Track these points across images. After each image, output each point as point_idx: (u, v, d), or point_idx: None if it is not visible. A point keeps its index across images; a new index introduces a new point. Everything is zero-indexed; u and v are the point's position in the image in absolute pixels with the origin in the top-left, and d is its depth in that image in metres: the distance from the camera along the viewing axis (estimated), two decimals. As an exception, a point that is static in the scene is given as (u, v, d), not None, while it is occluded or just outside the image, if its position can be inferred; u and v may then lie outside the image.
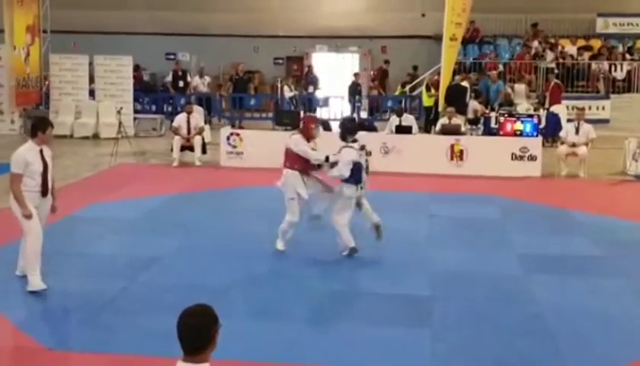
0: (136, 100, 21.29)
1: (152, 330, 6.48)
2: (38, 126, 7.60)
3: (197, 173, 14.95)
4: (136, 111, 20.93)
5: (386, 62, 24.89)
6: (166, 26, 25.33)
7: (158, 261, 8.77)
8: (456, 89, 18.78)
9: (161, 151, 17.14)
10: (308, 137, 9.12)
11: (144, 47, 23.94)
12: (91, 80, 20.55)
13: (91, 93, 20.42)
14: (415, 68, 23.82)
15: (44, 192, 7.53)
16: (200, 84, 22.42)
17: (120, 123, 16.94)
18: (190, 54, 25.49)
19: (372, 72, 25.37)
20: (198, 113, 17.26)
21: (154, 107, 22.23)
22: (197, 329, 3.40)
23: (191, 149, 15.74)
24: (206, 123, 17.84)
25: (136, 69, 22.33)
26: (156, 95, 23.18)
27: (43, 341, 6.39)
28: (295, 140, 9.04)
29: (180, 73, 22.32)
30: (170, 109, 21.59)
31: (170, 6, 25.12)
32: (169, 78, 22.53)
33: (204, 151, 16.03)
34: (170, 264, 8.76)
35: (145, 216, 11.14)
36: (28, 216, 7.32)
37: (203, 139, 16.02)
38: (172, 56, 25.46)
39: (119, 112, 17.41)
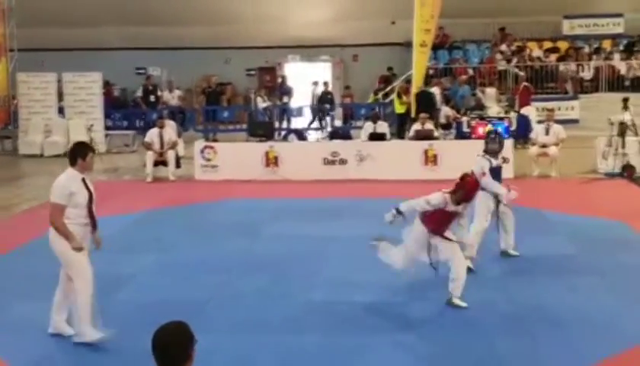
0: (107, 116, 21.19)
1: (129, 349, 6.42)
2: (77, 152, 6.80)
3: (172, 188, 14.88)
4: (107, 128, 20.83)
5: (389, 69, 24.79)
6: (136, 41, 25.24)
7: (134, 279, 8.71)
8: (424, 95, 18.95)
9: (134, 167, 17.05)
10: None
11: (114, 63, 23.86)
12: (60, 98, 20.40)
13: (61, 111, 20.28)
14: (390, 68, 23.91)
15: (93, 225, 6.79)
16: (169, 98, 22.35)
17: (91, 139, 16.83)
18: (161, 68, 25.41)
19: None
20: (170, 128, 17.17)
21: (125, 123, 22.12)
22: (173, 346, 3.38)
23: (165, 163, 15.67)
24: (179, 136, 17.78)
25: (106, 84, 22.21)
26: (127, 111, 23.08)
27: (14, 363, 6.30)
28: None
29: (150, 88, 22.24)
30: (142, 124, 21.48)
31: (139, 21, 25.02)
32: (140, 93, 22.43)
33: (178, 165, 15.97)
34: (146, 281, 8.70)
35: (120, 233, 11.03)
36: (78, 249, 6.55)
37: (176, 153, 15.97)
38: (143, 71, 25.38)
39: (89, 129, 17.32)
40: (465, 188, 7.63)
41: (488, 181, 8.96)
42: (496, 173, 9.28)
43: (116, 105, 23.63)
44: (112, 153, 19.32)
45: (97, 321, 6.64)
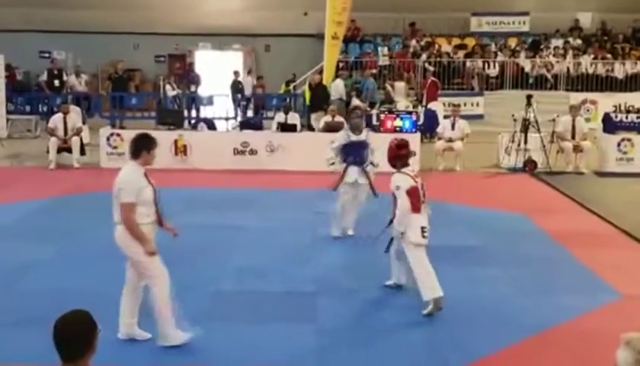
0: (8, 100, 20.39)
1: (29, 339, 6.23)
2: (143, 144, 6.29)
3: (76, 175, 14.49)
4: (8, 112, 20.06)
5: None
6: (40, 23, 24.38)
7: (35, 268, 8.45)
8: (319, 88, 19.19)
9: (36, 153, 16.50)
10: None
11: (16, 45, 22.93)
12: (-41, 80, 19.51)
13: (-41, 93, 19.39)
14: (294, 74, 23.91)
15: (160, 222, 6.36)
16: (76, 83, 21.70)
17: (-8, 124, 16.20)
18: (65, 52, 24.64)
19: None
20: (75, 114, 16.72)
21: (28, 108, 21.32)
22: (75, 335, 3.32)
23: (69, 150, 15.25)
24: (84, 123, 17.32)
25: (8, 67, 21.36)
26: (30, 95, 22.26)
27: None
28: None
29: (55, 72, 21.54)
30: (45, 109, 20.74)
31: (44, 3, 24.16)
32: (44, 77, 21.69)
33: (83, 152, 15.55)
34: (47, 270, 8.45)
35: (20, 221, 10.70)
36: (153, 253, 6.17)
37: (81, 139, 15.54)
38: (47, 55, 24.54)
39: (-10, 113, 16.65)
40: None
41: (332, 146, 9.84)
42: (356, 148, 9.78)
43: (19, 89, 22.74)
44: (14, 139, 18.65)
45: (179, 321, 6.30)
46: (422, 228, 7.27)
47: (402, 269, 7.76)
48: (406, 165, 7.49)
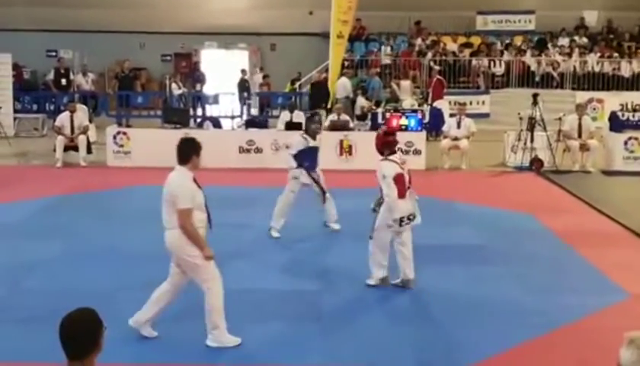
0: (16, 99, 20.46)
1: (36, 337, 6.25)
2: (192, 149, 6.26)
3: (82, 174, 14.52)
4: (16, 111, 20.13)
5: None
6: (47, 22, 24.41)
7: (42, 267, 8.48)
8: (318, 87, 19.14)
9: (43, 151, 16.54)
10: None
11: (23, 44, 22.99)
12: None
13: (-33, 92, 19.45)
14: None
15: (210, 225, 6.41)
16: (83, 82, 21.75)
17: (-1, 123, 16.24)
18: (72, 51, 24.69)
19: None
20: (82, 112, 16.77)
21: (35, 107, 21.39)
22: (81, 333, 3.33)
23: (75, 149, 15.29)
24: (90, 121, 17.35)
25: (16, 67, 21.43)
26: (37, 94, 22.32)
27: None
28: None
29: (62, 71, 21.58)
30: (52, 108, 20.82)
31: (51, 3, 24.18)
32: (51, 76, 21.75)
33: (89, 151, 15.59)
34: (54, 269, 8.48)
35: (27, 219, 10.73)
36: (210, 258, 6.18)
37: (87, 138, 15.58)
38: (54, 54, 24.61)
39: (-3, 112, 16.68)
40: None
41: (288, 152, 9.82)
42: (311, 153, 9.85)
43: (26, 88, 22.81)
44: (21, 137, 18.70)
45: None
46: (401, 218, 7.52)
47: (406, 263, 7.80)
48: (393, 152, 7.78)
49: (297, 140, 9.88)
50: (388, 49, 23.67)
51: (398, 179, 7.52)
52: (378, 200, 7.81)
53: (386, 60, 23.08)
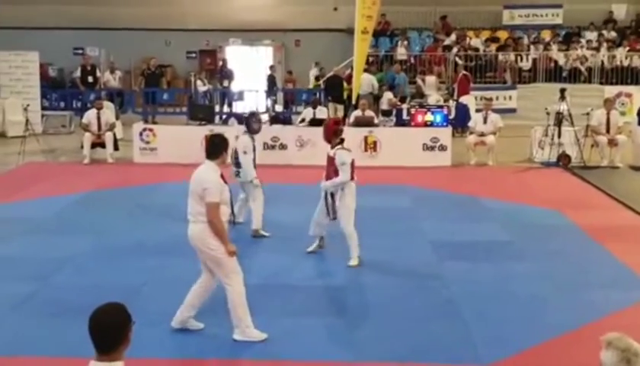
0: (43, 96, 20.70)
1: (66, 331, 6.33)
2: (222, 145, 6.33)
3: (109, 170, 14.65)
4: (43, 108, 20.37)
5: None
6: (73, 20, 24.66)
7: (71, 262, 8.58)
8: (333, 79, 19.08)
9: (71, 148, 16.73)
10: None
11: (50, 42, 23.25)
12: (-5, 76, 19.84)
13: (-4, 89, 19.72)
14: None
15: (234, 222, 6.50)
16: (110, 79, 21.93)
17: (27, 120, 16.40)
18: (99, 48, 24.89)
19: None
20: (108, 109, 16.93)
21: (62, 104, 21.64)
22: (110, 327, 3.37)
23: (102, 145, 15.43)
24: (117, 118, 17.51)
25: (42, 65, 21.66)
26: (64, 91, 22.56)
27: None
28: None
29: (89, 68, 21.74)
30: (79, 105, 21.03)
31: (78, 0, 24.40)
32: (77, 74, 21.94)
33: (116, 147, 15.71)
34: (83, 264, 8.57)
35: (56, 215, 10.85)
36: (233, 253, 6.24)
37: (114, 135, 15.71)
38: (80, 51, 24.83)
39: (25, 109, 16.82)
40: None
41: (248, 158, 9.68)
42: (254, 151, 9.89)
43: (53, 85, 23.07)
44: (48, 134, 18.89)
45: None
46: None
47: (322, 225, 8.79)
48: (342, 140, 8.52)
49: (247, 141, 9.76)
50: (405, 44, 23.54)
51: (352, 164, 8.47)
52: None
53: (402, 56, 22.95)
